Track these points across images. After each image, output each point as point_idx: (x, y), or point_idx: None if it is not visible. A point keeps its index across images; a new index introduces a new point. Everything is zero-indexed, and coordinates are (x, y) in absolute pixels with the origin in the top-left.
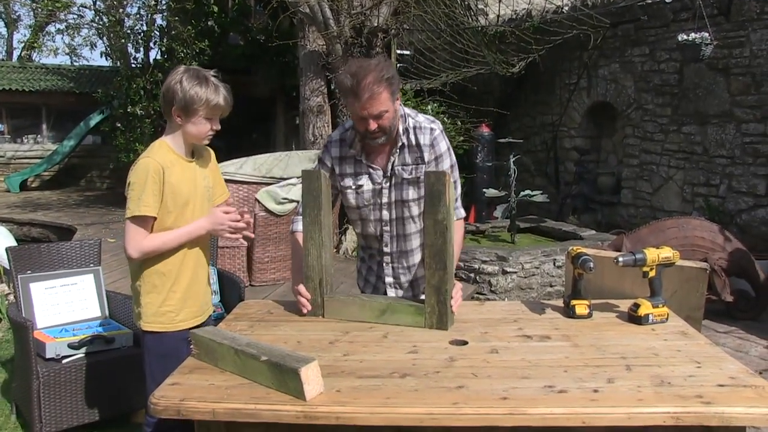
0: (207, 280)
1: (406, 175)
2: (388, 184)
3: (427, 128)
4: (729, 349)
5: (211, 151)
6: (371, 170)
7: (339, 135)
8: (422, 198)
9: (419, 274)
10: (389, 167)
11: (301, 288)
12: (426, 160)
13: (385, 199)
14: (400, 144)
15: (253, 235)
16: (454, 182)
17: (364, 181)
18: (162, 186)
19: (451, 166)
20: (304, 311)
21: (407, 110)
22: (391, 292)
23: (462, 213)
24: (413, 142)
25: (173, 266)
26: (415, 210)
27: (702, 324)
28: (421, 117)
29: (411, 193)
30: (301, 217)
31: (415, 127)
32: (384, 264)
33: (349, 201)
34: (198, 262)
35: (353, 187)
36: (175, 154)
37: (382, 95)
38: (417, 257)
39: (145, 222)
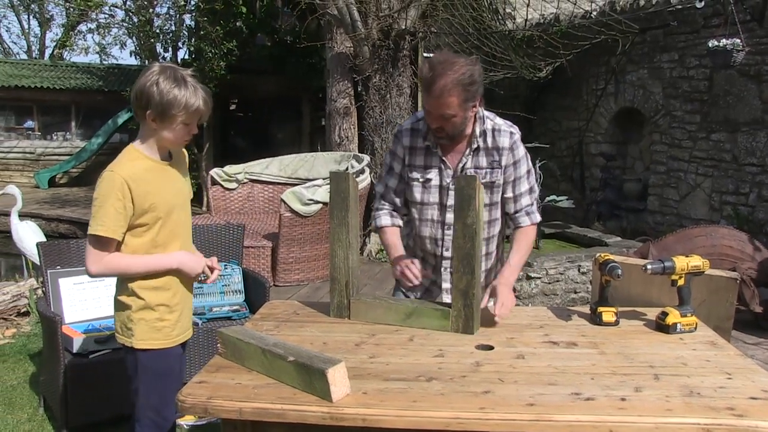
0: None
1: (479, 179)
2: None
3: (507, 131)
4: (759, 361)
5: (184, 150)
6: (443, 166)
7: (410, 124)
8: (495, 204)
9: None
10: (460, 167)
11: (408, 262)
12: (503, 163)
13: (450, 201)
14: (475, 146)
15: (206, 281)
16: (530, 188)
17: (433, 176)
18: (131, 203)
19: (528, 172)
20: (416, 282)
21: (487, 113)
22: (446, 298)
23: (538, 218)
24: (490, 145)
25: (169, 280)
26: (486, 216)
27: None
28: (500, 120)
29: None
30: (382, 212)
31: (494, 130)
32: (442, 269)
33: (414, 196)
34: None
35: (421, 180)
36: (150, 161)
37: (452, 100)
38: (481, 265)
39: (106, 242)
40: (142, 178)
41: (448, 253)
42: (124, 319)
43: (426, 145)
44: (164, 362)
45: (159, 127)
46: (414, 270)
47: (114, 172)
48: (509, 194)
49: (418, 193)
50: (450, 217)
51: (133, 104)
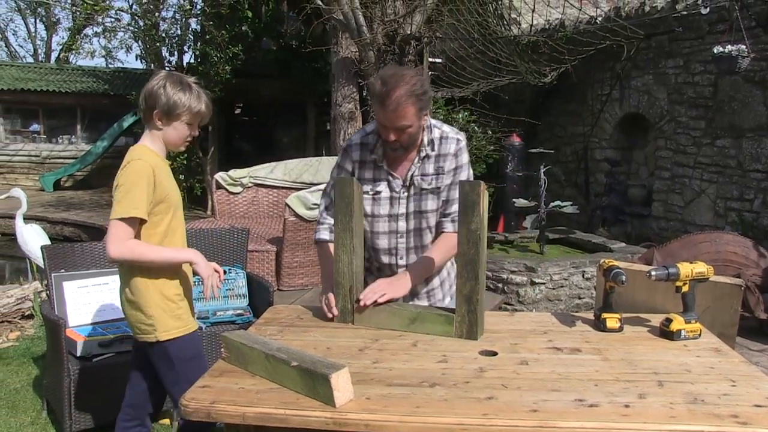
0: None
1: (425, 185)
2: (405, 194)
3: (453, 138)
4: (763, 368)
5: None
6: (390, 178)
7: (360, 138)
8: (440, 209)
9: (435, 283)
10: (408, 177)
11: (330, 296)
12: (446, 169)
13: (402, 210)
14: (424, 154)
15: (208, 297)
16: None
17: (383, 188)
18: (154, 189)
19: (468, 179)
20: (329, 315)
21: (433, 121)
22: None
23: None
24: (438, 152)
25: (177, 270)
26: (432, 221)
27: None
28: (447, 127)
29: (430, 204)
30: (323, 226)
31: (441, 137)
32: None
33: (365, 209)
34: (188, 267)
35: (371, 193)
36: (160, 158)
37: (408, 110)
38: (438, 278)
39: (132, 224)
40: (161, 169)
41: (402, 261)
42: (140, 317)
43: (374, 159)
44: (192, 346)
45: (164, 125)
46: (330, 305)
47: (141, 160)
48: (443, 197)
49: (368, 206)
50: (402, 225)
51: (140, 105)
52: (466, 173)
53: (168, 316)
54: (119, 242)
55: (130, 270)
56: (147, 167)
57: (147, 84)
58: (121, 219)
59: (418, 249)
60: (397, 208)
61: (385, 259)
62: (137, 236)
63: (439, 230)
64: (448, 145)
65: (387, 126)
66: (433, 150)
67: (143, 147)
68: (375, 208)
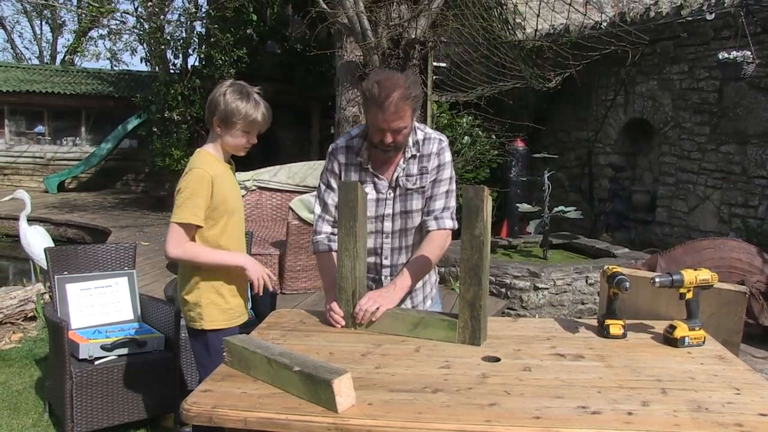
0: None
1: (410, 185)
2: (392, 195)
3: (435, 139)
4: (767, 375)
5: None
6: (376, 180)
7: (345, 142)
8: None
9: (418, 284)
10: (394, 178)
11: (335, 305)
12: (429, 168)
13: (388, 210)
14: (409, 155)
15: (263, 292)
16: (446, 192)
17: (369, 190)
18: (210, 196)
19: (450, 178)
20: (338, 327)
21: (417, 124)
22: None
23: (449, 224)
24: (422, 153)
25: (234, 271)
26: (417, 220)
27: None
28: (429, 129)
29: (415, 204)
30: (320, 236)
31: (425, 138)
32: (382, 278)
33: None
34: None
35: None
36: (221, 163)
37: (405, 112)
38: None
39: (189, 229)
40: (220, 177)
41: (387, 261)
42: (192, 307)
43: (359, 161)
44: None
45: (222, 132)
46: (335, 317)
47: (202, 169)
48: (426, 195)
49: None
50: (387, 225)
51: (206, 111)
52: (449, 171)
53: (215, 310)
54: (176, 244)
55: (189, 266)
56: (206, 176)
57: (213, 90)
58: (180, 223)
59: (403, 249)
60: (383, 209)
61: (370, 259)
62: (194, 237)
63: (424, 229)
64: (430, 145)
65: (384, 129)
66: (418, 151)
67: (206, 153)
68: None
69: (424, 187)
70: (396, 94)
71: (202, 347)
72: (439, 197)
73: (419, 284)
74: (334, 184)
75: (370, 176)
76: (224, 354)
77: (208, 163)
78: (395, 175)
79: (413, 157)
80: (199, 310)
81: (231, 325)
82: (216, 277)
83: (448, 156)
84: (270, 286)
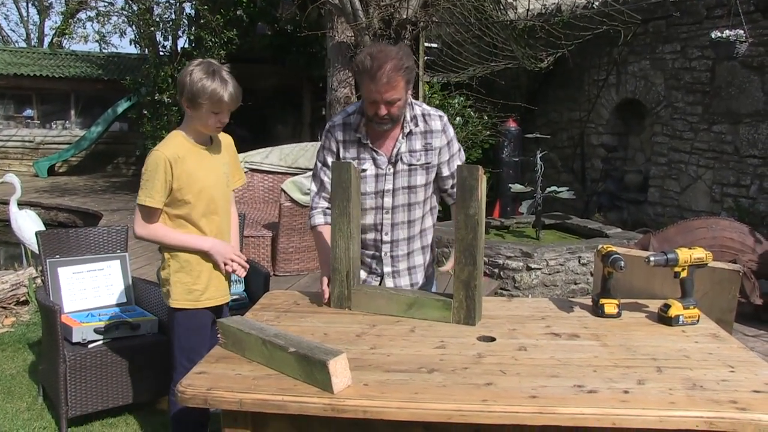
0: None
1: (415, 162)
2: (391, 170)
3: (436, 115)
4: (759, 353)
5: (229, 138)
6: (375, 155)
7: (342, 119)
8: (429, 184)
9: (418, 261)
10: (394, 153)
11: (325, 280)
12: (436, 145)
13: (388, 186)
14: (408, 131)
15: (241, 274)
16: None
17: (368, 166)
18: (171, 178)
19: (459, 149)
20: (324, 298)
21: (413, 100)
22: (389, 283)
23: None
24: (423, 129)
25: (203, 255)
26: (421, 195)
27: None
28: (425, 106)
29: (419, 179)
30: (316, 210)
31: (423, 114)
32: (382, 255)
33: None
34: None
35: None
36: (190, 143)
37: (399, 83)
38: (417, 243)
39: (152, 210)
40: (183, 158)
41: (387, 237)
42: (164, 284)
43: (357, 138)
44: (194, 320)
45: (191, 113)
46: (324, 288)
47: (159, 151)
48: (446, 173)
49: None
50: (388, 201)
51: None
52: (457, 143)
53: (182, 289)
54: (141, 225)
55: (162, 246)
56: (162, 157)
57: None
58: (140, 205)
59: (404, 224)
60: (383, 185)
61: (370, 235)
62: (159, 217)
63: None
64: (433, 122)
65: (377, 100)
66: (416, 126)
67: (175, 134)
68: (362, 187)
69: (429, 163)
70: (388, 65)
71: (172, 324)
72: None
73: (419, 261)
74: (330, 162)
75: (369, 152)
76: (219, 336)
77: (169, 145)
78: (395, 150)
79: (412, 132)
80: (168, 287)
81: (197, 306)
82: (185, 256)
83: (451, 130)
84: (239, 270)
